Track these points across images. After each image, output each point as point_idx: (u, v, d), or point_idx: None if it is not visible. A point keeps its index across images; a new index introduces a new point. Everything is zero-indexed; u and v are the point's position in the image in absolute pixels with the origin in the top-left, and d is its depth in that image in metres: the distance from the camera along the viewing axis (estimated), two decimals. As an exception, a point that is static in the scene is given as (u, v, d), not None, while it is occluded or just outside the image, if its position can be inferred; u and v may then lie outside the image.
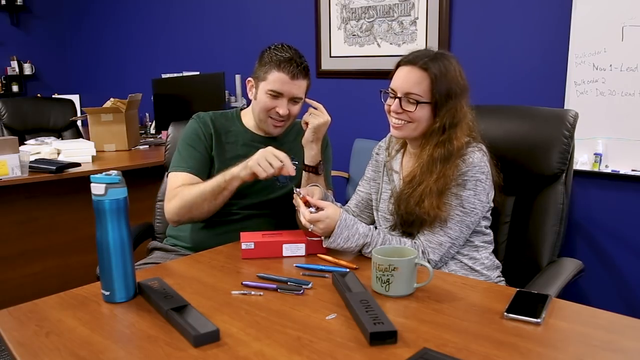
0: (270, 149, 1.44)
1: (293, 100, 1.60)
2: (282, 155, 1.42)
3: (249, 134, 1.70)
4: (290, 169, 1.41)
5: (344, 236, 1.30)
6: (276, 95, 1.57)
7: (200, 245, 1.58)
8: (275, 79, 1.56)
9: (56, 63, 5.57)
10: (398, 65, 1.39)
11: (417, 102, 1.34)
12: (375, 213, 1.56)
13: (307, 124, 1.56)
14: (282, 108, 1.58)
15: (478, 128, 1.43)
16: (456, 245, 1.37)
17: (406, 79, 1.35)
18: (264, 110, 1.61)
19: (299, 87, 1.58)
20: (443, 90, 1.33)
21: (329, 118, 1.56)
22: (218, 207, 1.54)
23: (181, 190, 1.55)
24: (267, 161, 1.41)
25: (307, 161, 1.59)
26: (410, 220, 1.38)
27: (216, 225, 1.63)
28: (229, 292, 1.13)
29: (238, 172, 1.47)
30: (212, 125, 1.67)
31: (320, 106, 1.58)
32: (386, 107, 1.41)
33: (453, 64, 1.36)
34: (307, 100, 1.61)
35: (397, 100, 1.36)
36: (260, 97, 1.60)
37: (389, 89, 1.39)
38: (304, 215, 1.32)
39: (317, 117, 1.55)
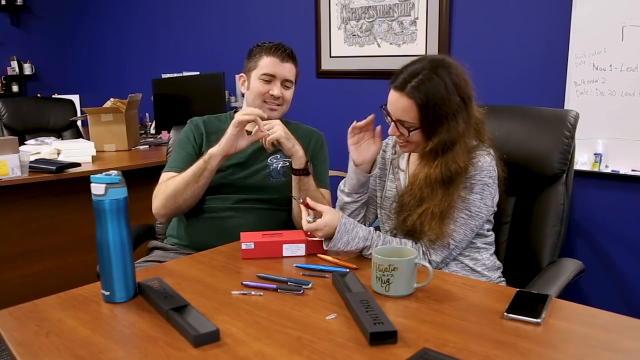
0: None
1: (285, 84, 1.67)
2: (249, 110, 1.52)
3: None
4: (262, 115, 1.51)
5: (343, 241, 1.30)
6: (269, 78, 1.64)
7: (198, 243, 1.60)
8: (266, 63, 1.64)
9: (56, 63, 5.57)
10: (390, 85, 1.35)
11: (409, 129, 1.33)
12: (378, 211, 1.56)
13: (277, 142, 1.51)
14: (276, 89, 1.64)
15: (487, 131, 1.41)
16: (459, 248, 1.36)
17: (395, 107, 1.33)
18: (258, 96, 1.66)
19: (289, 70, 1.67)
20: (431, 116, 1.29)
21: (276, 120, 1.55)
22: (201, 191, 1.60)
23: (164, 184, 1.64)
24: (237, 120, 1.50)
25: (296, 165, 1.55)
26: (409, 231, 1.38)
27: (212, 222, 1.66)
28: (229, 292, 1.13)
29: (215, 149, 1.54)
30: (204, 127, 1.74)
31: (262, 124, 1.51)
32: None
33: (445, 80, 1.28)
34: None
35: (393, 123, 1.36)
36: (253, 84, 1.67)
37: (387, 107, 1.37)
38: (303, 226, 1.33)
39: (273, 128, 1.51)
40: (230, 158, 1.64)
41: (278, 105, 1.67)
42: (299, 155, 1.54)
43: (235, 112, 1.81)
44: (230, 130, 1.52)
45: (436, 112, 1.29)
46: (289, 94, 1.69)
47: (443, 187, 1.30)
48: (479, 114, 1.38)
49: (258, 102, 1.66)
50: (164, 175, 1.69)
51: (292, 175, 1.57)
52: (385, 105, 1.38)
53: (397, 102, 1.32)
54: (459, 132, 1.31)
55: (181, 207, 1.62)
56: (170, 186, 1.60)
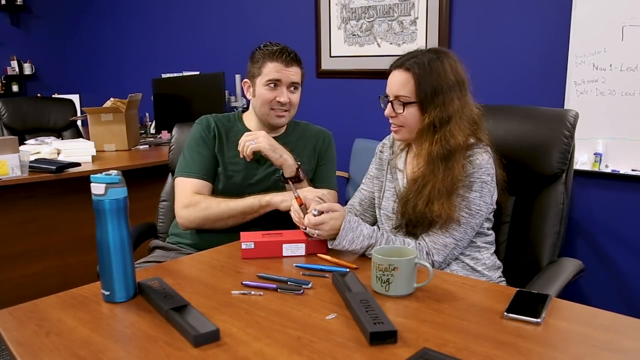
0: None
1: (291, 87, 1.65)
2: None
3: None
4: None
5: (348, 238, 1.30)
6: (274, 84, 1.62)
7: (202, 243, 1.60)
8: (271, 69, 1.62)
9: (56, 63, 5.57)
10: (390, 67, 1.41)
11: (404, 104, 1.36)
12: (377, 211, 1.56)
13: (264, 154, 1.57)
14: (283, 96, 1.63)
15: (485, 128, 1.42)
16: (460, 247, 1.37)
17: (394, 82, 1.38)
18: (265, 103, 1.64)
19: (295, 73, 1.65)
20: (428, 87, 1.33)
21: (261, 132, 1.60)
22: (240, 223, 1.59)
23: (203, 201, 1.59)
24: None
25: (288, 174, 1.57)
26: (418, 222, 1.37)
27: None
28: (229, 292, 1.13)
29: (278, 202, 1.53)
30: (215, 127, 1.71)
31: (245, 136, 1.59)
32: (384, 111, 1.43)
33: (442, 61, 1.35)
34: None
35: (389, 104, 1.39)
36: (259, 92, 1.65)
37: (385, 94, 1.42)
38: (308, 219, 1.31)
39: (258, 139, 1.58)
40: (238, 163, 1.64)
41: (285, 111, 1.66)
42: (288, 164, 1.56)
43: (242, 112, 1.80)
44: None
45: (432, 85, 1.33)
46: (295, 97, 1.67)
47: (443, 162, 1.33)
48: (476, 110, 1.40)
49: (265, 110, 1.65)
50: (188, 182, 1.64)
51: (286, 185, 1.56)
52: (383, 95, 1.42)
53: (395, 77, 1.38)
54: (454, 108, 1.35)
55: (213, 229, 1.62)
56: (213, 210, 1.58)
